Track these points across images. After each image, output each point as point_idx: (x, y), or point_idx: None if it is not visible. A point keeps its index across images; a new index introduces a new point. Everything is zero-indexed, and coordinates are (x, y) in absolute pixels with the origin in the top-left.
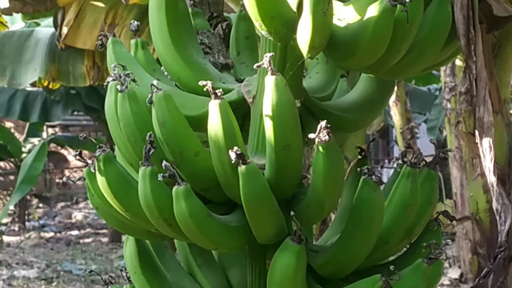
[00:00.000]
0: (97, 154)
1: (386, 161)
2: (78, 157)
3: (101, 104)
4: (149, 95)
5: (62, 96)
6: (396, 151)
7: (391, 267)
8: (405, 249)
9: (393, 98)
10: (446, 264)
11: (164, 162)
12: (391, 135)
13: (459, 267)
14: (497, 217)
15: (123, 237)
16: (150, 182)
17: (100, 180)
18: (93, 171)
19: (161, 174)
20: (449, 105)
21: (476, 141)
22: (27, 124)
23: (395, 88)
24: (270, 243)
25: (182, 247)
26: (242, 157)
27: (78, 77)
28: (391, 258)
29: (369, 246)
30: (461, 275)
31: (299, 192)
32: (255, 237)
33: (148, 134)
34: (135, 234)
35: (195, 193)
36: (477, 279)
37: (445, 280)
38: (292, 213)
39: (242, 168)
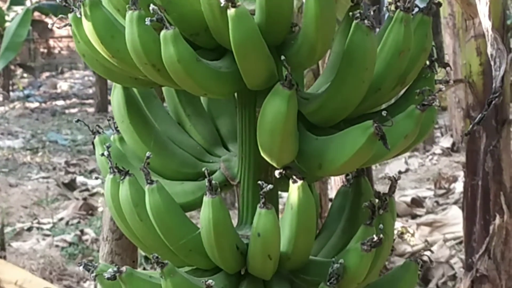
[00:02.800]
0: None
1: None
2: (64, 3)
3: None
4: None
5: None
6: None
7: (383, 113)
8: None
9: None
10: (438, 133)
11: (151, 6)
12: (383, 2)
13: (451, 136)
14: (492, 63)
15: (110, 107)
16: (138, 26)
17: (87, 25)
18: (79, 16)
19: (149, 18)
20: None
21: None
22: None
23: None
24: (260, 89)
25: (171, 97)
26: (231, 0)
27: None
28: (383, 106)
29: (361, 92)
30: (453, 144)
31: (290, 38)
32: (245, 84)
33: None
34: (123, 81)
35: (184, 39)
36: (471, 126)
37: (437, 149)
38: (282, 57)
39: (231, 11)
